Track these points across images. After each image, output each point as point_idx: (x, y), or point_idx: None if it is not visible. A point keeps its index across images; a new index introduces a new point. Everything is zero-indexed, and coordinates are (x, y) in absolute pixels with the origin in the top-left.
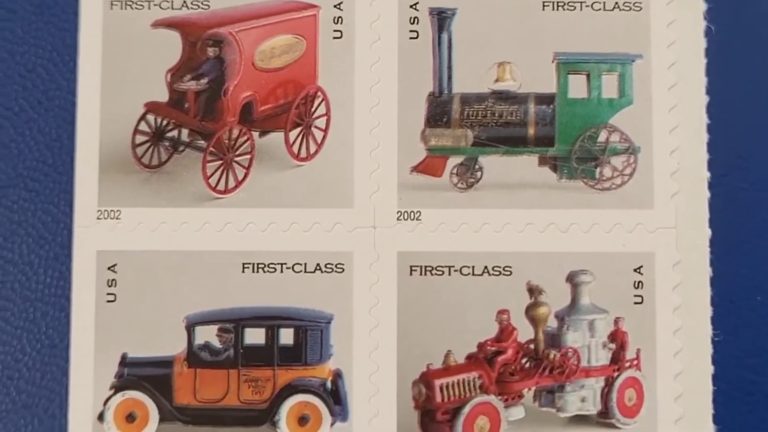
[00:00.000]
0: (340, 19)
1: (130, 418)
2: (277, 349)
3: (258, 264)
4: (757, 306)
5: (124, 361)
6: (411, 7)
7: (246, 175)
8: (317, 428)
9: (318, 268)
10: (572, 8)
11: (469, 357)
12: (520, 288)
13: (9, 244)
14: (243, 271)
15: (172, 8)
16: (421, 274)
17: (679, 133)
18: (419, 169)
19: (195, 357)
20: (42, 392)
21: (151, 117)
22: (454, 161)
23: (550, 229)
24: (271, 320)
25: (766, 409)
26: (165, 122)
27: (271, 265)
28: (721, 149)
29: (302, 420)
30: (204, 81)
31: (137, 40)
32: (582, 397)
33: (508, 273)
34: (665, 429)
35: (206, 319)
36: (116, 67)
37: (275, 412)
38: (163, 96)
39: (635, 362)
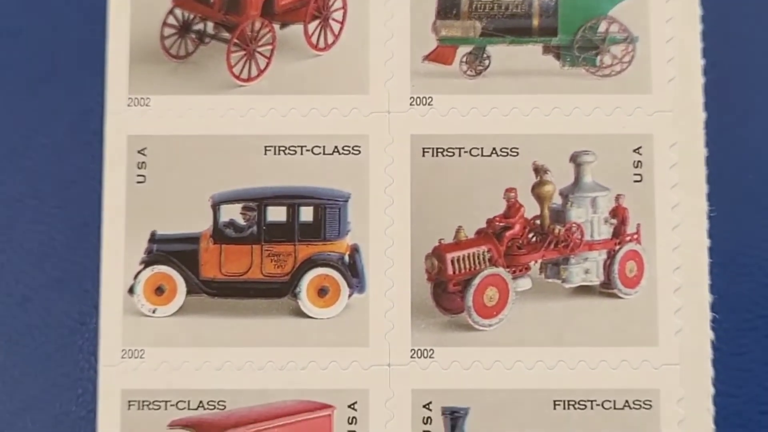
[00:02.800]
0: None
1: (159, 291)
2: (297, 226)
3: (279, 147)
4: (751, 183)
5: (154, 238)
6: None
7: (268, 65)
8: (335, 299)
9: (336, 150)
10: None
11: (479, 232)
12: (527, 168)
13: (45, 130)
14: (265, 154)
15: None
16: (433, 156)
17: (674, 23)
18: (431, 57)
19: (220, 234)
20: (75, 268)
21: (178, 11)
22: (463, 50)
23: (555, 112)
24: (291, 199)
25: (759, 278)
26: (192, 16)
27: (291, 148)
28: (715, 36)
29: (321, 292)
30: None
31: None
32: (585, 269)
33: (515, 154)
34: (664, 298)
35: (231, 198)
36: None
37: (296, 285)
38: None
39: (635, 236)
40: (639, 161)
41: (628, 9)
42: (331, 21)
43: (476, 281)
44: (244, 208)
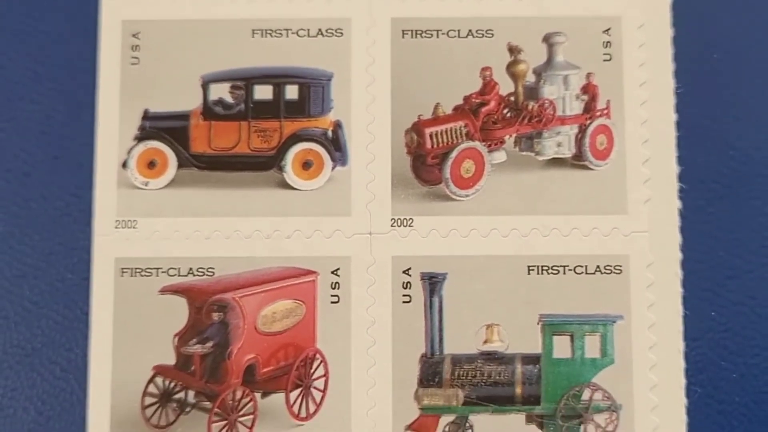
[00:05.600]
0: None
1: (151, 165)
2: (283, 104)
3: (266, 30)
4: (716, 61)
5: (146, 116)
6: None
7: None
8: (319, 172)
9: (319, 32)
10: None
11: (456, 108)
12: (502, 48)
13: (44, 18)
14: (252, 36)
15: None
16: (412, 37)
17: None
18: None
19: (210, 111)
20: (71, 144)
21: None
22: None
23: None
24: (277, 78)
25: (724, 150)
26: None
27: (277, 31)
28: None
29: (306, 165)
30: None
31: None
32: (558, 143)
33: (491, 35)
34: (633, 169)
35: (220, 78)
36: None
37: (282, 158)
38: None
39: (605, 111)
40: (608, 42)
41: None
42: None
43: (454, 154)
44: (232, 87)
